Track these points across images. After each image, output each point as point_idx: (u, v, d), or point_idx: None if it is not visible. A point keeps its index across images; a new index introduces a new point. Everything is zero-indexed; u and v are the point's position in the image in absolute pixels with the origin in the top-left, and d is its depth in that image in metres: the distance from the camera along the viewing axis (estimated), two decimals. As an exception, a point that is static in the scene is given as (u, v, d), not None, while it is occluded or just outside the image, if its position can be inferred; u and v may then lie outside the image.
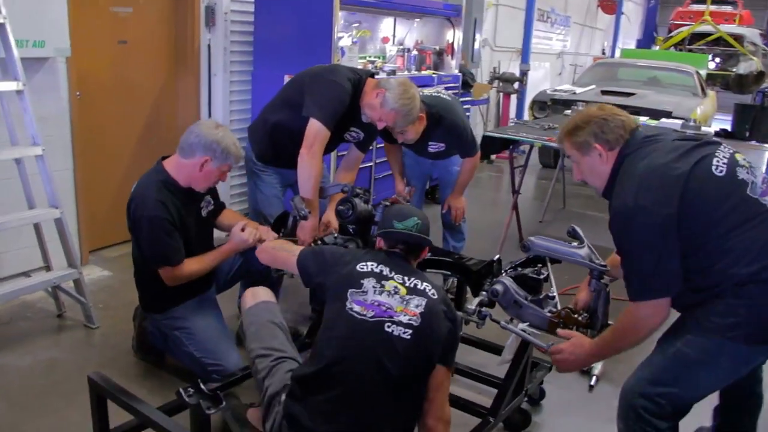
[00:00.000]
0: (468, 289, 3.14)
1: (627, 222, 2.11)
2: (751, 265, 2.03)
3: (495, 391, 3.00)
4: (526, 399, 2.96)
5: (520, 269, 2.82)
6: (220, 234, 3.29)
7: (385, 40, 6.61)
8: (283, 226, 3.27)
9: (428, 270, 3.23)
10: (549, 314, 2.61)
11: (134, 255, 3.04)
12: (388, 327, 2.07)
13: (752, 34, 14.44)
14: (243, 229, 3.07)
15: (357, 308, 2.11)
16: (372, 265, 2.21)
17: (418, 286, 2.18)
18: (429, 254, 3.10)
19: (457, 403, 2.86)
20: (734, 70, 13.40)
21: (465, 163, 4.04)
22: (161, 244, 2.83)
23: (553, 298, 2.74)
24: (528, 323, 2.63)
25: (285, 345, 2.41)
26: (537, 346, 2.58)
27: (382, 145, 4.21)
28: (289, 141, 3.32)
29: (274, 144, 3.49)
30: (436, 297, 2.17)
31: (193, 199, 3.02)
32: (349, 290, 2.14)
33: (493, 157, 8.51)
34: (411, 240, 2.30)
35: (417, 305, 2.12)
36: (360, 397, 2.05)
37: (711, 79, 12.49)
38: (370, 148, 3.84)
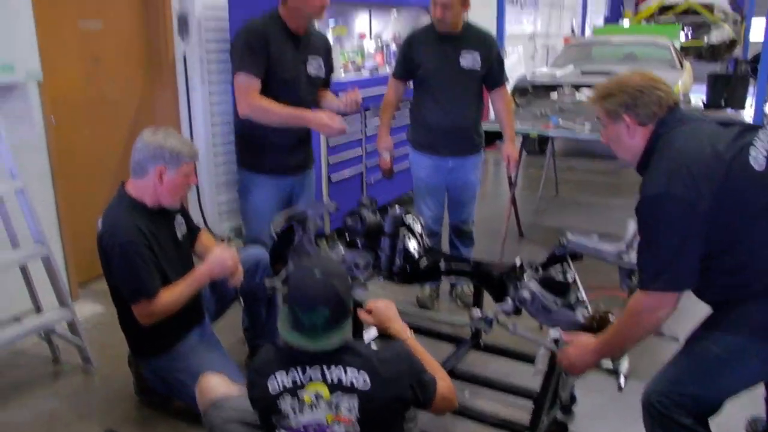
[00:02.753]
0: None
1: (655, 208, 1.99)
2: None
3: (523, 401, 2.88)
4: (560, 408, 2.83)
5: (541, 271, 2.68)
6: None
7: (362, 36, 6.42)
8: (289, 243, 3.07)
9: (444, 279, 3.10)
10: (582, 319, 2.48)
11: (114, 296, 2.78)
12: None
13: (721, 2, 14.46)
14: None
15: None
16: (282, 376, 1.82)
17: (343, 380, 1.78)
18: (444, 263, 3.00)
19: (492, 422, 2.73)
20: (706, 39, 13.40)
21: (498, 99, 4.00)
22: (136, 272, 2.56)
23: (583, 301, 2.61)
24: (559, 329, 2.50)
25: None
26: (547, 348, 2.47)
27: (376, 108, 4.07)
28: (261, 129, 3.26)
29: (249, 141, 3.40)
30: (369, 387, 1.78)
31: (164, 219, 2.79)
32: (272, 417, 1.84)
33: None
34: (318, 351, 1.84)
35: (349, 409, 1.78)
36: None
37: (684, 50, 12.47)
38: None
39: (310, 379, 1.80)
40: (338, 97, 3.53)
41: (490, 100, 4.10)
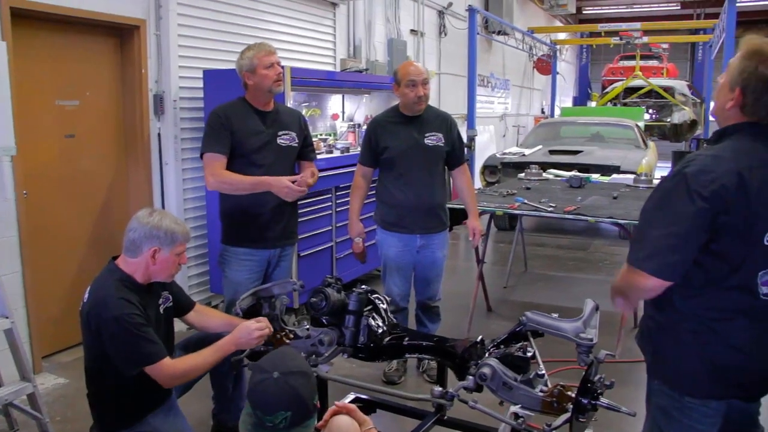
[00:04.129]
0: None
1: (684, 186, 1.89)
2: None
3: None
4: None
5: (503, 347, 2.73)
6: (182, 327, 3.10)
7: (335, 117, 6.61)
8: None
9: (408, 355, 3.13)
10: (541, 394, 2.52)
11: (89, 369, 2.75)
12: None
13: (680, 86, 15.11)
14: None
15: None
16: None
17: None
18: (407, 340, 3.05)
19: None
20: (669, 120, 13.93)
21: (460, 176, 4.17)
22: (138, 342, 2.58)
23: (543, 376, 2.65)
24: (520, 405, 2.54)
25: None
26: (508, 424, 2.50)
27: (347, 186, 4.33)
28: (240, 203, 3.51)
29: (230, 215, 3.61)
30: None
31: (152, 294, 2.84)
32: None
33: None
34: None
35: None
36: None
37: (648, 130, 12.93)
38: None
39: None
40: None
41: (452, 179, 4.25)
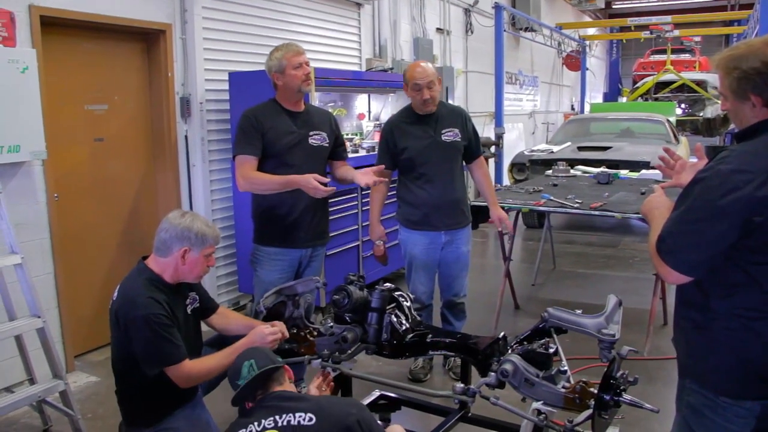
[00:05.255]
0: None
1: (717, 184, 1.84)
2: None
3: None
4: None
5: (526, 344, 2.72)
6: (209, 329, 3.16)
7: (361, 116, 6.64)
8: (280, 318, 3.14)
9: (431, 352, 3.13)
10: (563, 390, 2.51)
11: (117, 366, 2.82)
12: None
13: (714, 79, 14.80)
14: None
15: None
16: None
17: (291, 422, 2.07)
18: (430, 337, 3.05)
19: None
20: (701, 114, 13.69)
21: (478, 169, 4.19)
22: (161, 342, 2.64)
23: (565, 372, 2.64)
24: (542, 401, 2.53)
25: None
26: (530, 420, 2.48)
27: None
28: (270, 203, 3.56)
29: (261, 215, 3.64)
30: (312, 423, 2.06)
31: (179, 295, 2.89)
32: None
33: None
34: (256, 383, 2.22)
35: None
36: None
37: (680, 125, 12.72)
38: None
39: (265, 429, 2.06)
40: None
41: (469, 172, 4.24)
